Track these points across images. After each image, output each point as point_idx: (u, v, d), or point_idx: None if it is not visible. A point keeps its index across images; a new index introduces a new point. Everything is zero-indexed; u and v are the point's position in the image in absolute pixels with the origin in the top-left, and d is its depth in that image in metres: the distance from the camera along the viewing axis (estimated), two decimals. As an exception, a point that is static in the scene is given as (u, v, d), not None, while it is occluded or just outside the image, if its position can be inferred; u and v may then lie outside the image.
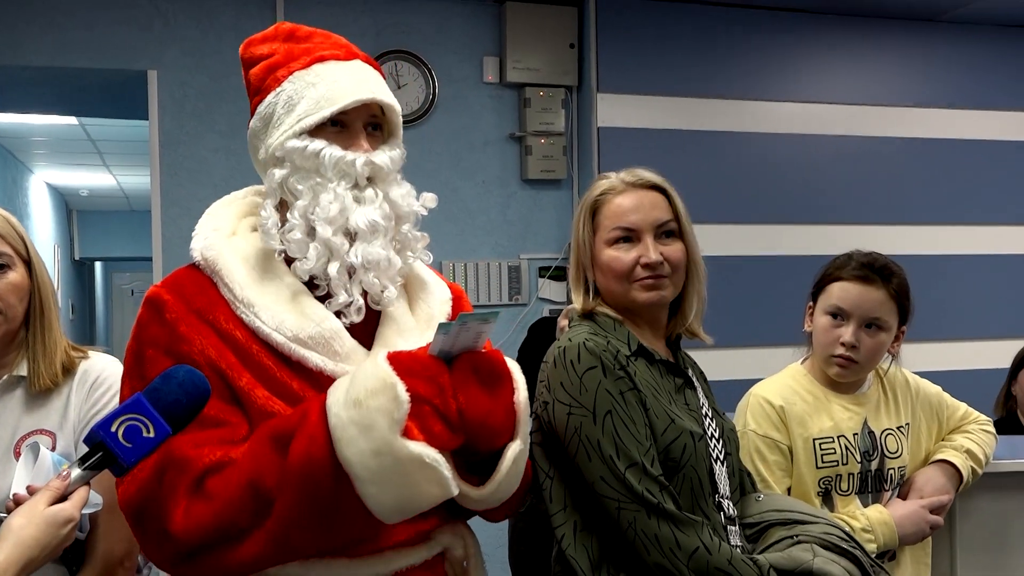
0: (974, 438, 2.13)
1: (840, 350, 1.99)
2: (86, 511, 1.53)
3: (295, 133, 1.44)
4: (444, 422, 1.33)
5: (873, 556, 1.75)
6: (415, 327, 1.53)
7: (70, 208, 10.97)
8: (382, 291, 1.45)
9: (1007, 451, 2.34)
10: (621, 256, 1.70)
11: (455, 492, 1.34)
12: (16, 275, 1.69)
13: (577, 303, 1.77)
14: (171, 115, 3.87)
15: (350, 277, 1.44)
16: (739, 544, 1.67)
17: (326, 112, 1.44)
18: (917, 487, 2.05)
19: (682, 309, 1.78)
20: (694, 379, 1.79)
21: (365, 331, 1.49)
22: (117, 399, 1.73)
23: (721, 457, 1.71)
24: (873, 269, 2.01)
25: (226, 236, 1.50)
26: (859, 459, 2.00)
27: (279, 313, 1.42)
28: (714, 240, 4.01)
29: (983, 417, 2.21)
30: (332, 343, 1.42)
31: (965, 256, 4.52)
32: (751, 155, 4.28)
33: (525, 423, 1.43)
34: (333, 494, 1.29)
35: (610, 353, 1.64)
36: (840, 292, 2.00)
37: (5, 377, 1.71)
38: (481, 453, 1.41)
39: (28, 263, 1.73)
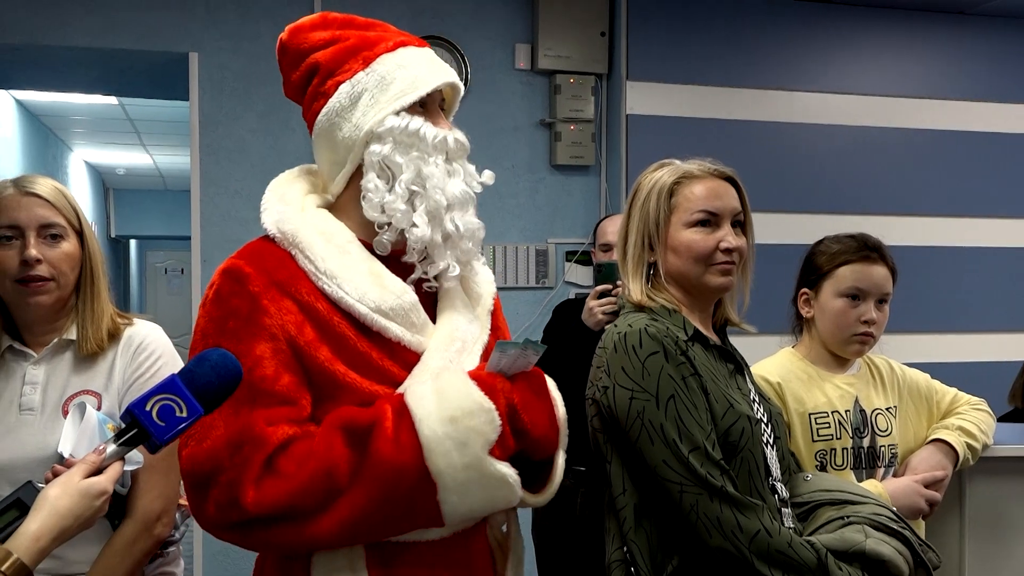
0: (967, 417, 2.15)
1: (862, 328, 2.04)
2: (128, 468, 1.61)
3: (393, 111, 1.49)
4: (515, 438, 1.43)
5: None
6: (467, 304, 1.58)
7: (107, 186, 11.05)
8: (473, 258, 1.55)
9: (1017, 437, 2.37)
10: (702, 239, 1.69)
11: (517, 503, 1.45)
12: (69, 245, 1.75)
13: (635, 291, 1.73)
14: (210, 96, 3.86)
15: (444, 244, 1.50)
16: (792, 526, 1.66)
17: (422, 91, 1.51)
18: (912, 466, 2.07)
19: (726, 299, 1.78)
20: (742, 365, 1.78)
21: (425, 304, 1.52)
22: (159, 364, 1.80)
23: (771, 441, 1.70)
24: (873, 248, 2.08)
25: (298, 211, 1.52)
26: (851, 434, 2.03)
27: (362, 285, 1.45)
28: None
29: (975, 399, 2.22)
30: (411, 315, 1.47)
31: (991, 249, 4.47)
32: (778, 144, 4.23)
33: (564, 435, 1.53)
34: (411, 497, 1.36)
35: (671, 339, 1.62)
36: (854, 274, 2.05)
37: (56, 340, 1.76)
38: (531, 460, 1.50)
39: (80, 234, 1.77)
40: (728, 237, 1.69)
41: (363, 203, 1.50)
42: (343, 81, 1.53)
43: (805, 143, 4.30)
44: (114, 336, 1.79)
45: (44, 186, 1.77)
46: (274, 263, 1.46)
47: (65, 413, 1.71)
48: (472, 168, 1.59)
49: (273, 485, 1.35)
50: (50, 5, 3.72)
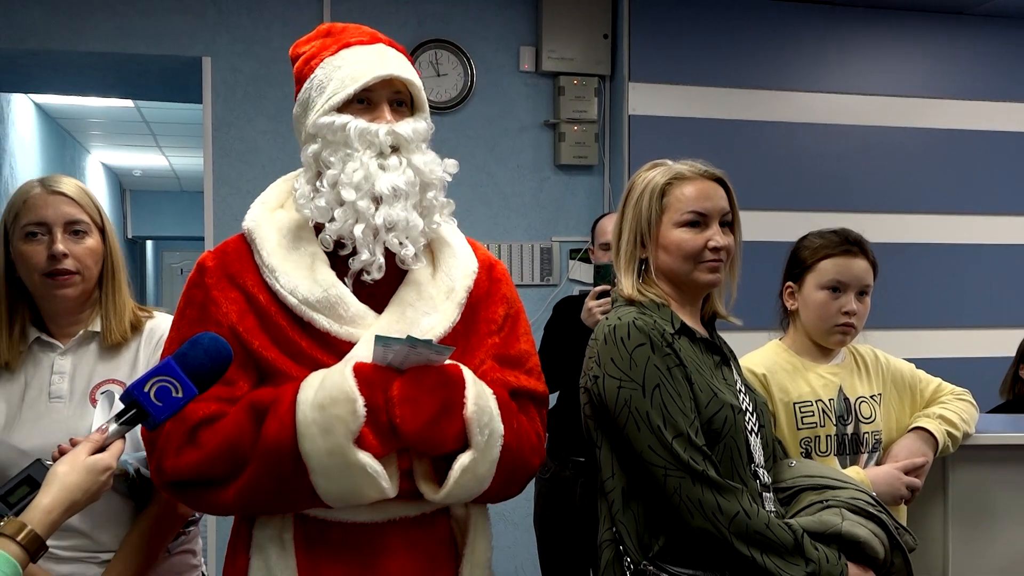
0: (949, 406, 2.20)
1: (843, 319, 2.10)
2: None
3: (325, 111, 1.55)
4: (390, 431, 1.46)
5: None
6: (434, 295, 1.61)
7: (124, 188, 11.17)
8: (402, 248, 1.54)
9: (999, 425, 2.43)
10: (691, 238, 1.75)
11: (391, 495, 1.47)
12: (92, 241, 1.83)
13: (627, 286, 1.80)
14: (223, 99, 3.95)
15: (374, 237, 1.53)
16: (773, 509, 1.72)
17: (350, 89, 1.55)
18: (893, 454, 2.13)
19: (714, 293, 1.84)
20: (728, 357, 1.85)
21: (388, 294, 1.58)
22: None
23: (755, 429, 1.76)
24: (853, 242, 2.14)
25: (271, 209, 1.63)
26: (835, 422, 2.09)
27: (296, 278, 1.54)
28: (743, 226, 4.07)
29: (959, 389, 2.27)
30: (337, 307, 1.52)
31: (990, 245, 4.51)
32: (779, 144, 4.28)
33: (476, 432, 1.49)
34: (291, 476, 1.44)
35: (657, 331, 1.69)
36: (835, 267, 2.11)
37: (81, 332, 1.84)
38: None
39: (102, 230, 1.86)
40: (716, 236, 1.76)
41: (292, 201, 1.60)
42: (299, 90, 1.63)
43: (807, 143, 4.34)
44: (136, 328, 1.88)
45: (69, 185, 1.85)
46: (234, 257, 1.59)
47: (93, 401, 1.79)
48: (432, 157, 1.61)
49: (189, 454, 1.48)
50: (67, 12, 3.82)
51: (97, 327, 1.85)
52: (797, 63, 4.34)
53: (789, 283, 2.20)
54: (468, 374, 1.53)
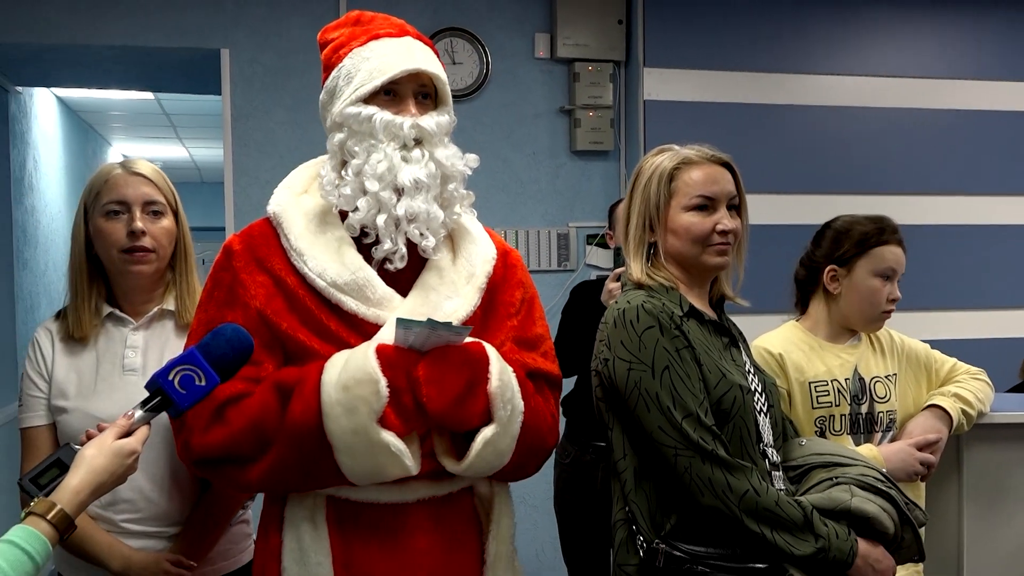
0: (964, 385, 2.22)
1: (890, 306, 2.16)
2: None
3: (352, 101, 1.59)
4: (413, 410, 1.50)
5: None
6: (455, 280, 1.65)
7: (145, 180, 11.30)
8: (422, 239, 1.58)
9: (1015, 404, 2.44)
10: (700, 222, 1.77)
11: (414, 472, 1.51)
12: (167, 221, 1.90)
13: (636, 270, 1.82)
14: (241, 91, 3.99)
15: (396, 227, 1.57)
16: (783, 488, 1.75)
17: (377, 81, 1.58)
18: (907, 431, 2.16)
19: (722, 276, 1.87)
20: (737, 338, 1.87)
21: (410, 279, 1.62)
22: None
23: (764, 409, 1.78)
24: (895, 230, 2.18)
25: (296, 194, 1.67)
26: (849, 402, 2.11)
27: (323, 261, 1.57)
28: (760, 210, 4.06)
29: (975, 368, 2.28)
30: (364, 289, 1.57)
31: (1011, 226, 4.47)
32: (795, 127, 4.26)
33: (500, 407, 1.53)
34: (316, 455, 1.49)
35: (666, 314, 1.71)
36: (892, 256, 2.16)
37: (156, 309, 1.91)
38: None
39: (176, 212, 1.93)
40: (724, 220, 1.78)
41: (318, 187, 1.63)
42: (327, 78, 1.66)
43: (824, 126, 4.32)
44: None
45: (147, 167, 1.94)
46: (260, 240, 1.62)
47: None
48: (454, 151, 1.65)
49: (217, 432, 1.53)
50: (88, 6, 3.87)
51: (170, 305, 1.92)
52: (812, 45, 4.32)
53: (833, 267, 2.19)
54: (491, 351, 1.57)
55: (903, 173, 4.38)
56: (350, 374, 1.47)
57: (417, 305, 1.59)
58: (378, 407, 1.46)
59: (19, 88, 5.05)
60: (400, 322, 1.49)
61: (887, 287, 2.15)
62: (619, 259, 2.96)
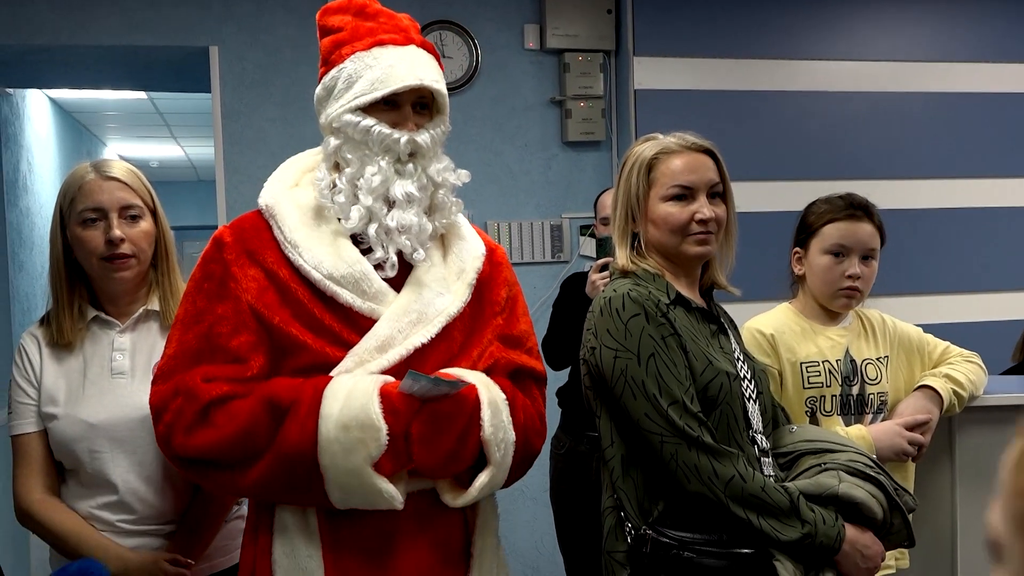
0: (956, 367, 2.22)
1: (847, 283, 2.13)
2: None
3: (350, 109, 1.59)
4: (407, 460, 1.53)
5: None
6: (446, 276, 1.67)
7: (141, 179, 11.29)
8: (413, 251, 1.61)
9: (1007, 386, 2.43)
10: (678, 211, 1.77)
11: (400, 507, 1.53)
12: (146, 224, 1.89)
13: (621, 258, 1.82)
14: (231, 88, 3.98)
15: (387, 236, 1.60)
16: (772, 474, 1.74)
17: (378, 94, 1.58)
18: (898, 411, 2.16)
19: (714, 264, 1.86)
20: (726, 326, 1.87)
21: (402, 274, 1.64)
22: None
23: (753, 396, 1.78)
24: (858, 206, 2.16)
25: (288, 187, 1.67)
26: (840, 383, 2.12)
27: (319, 254, 1.57)
28: (751, 197, 4.05)
29: (967, 352, 2.28)
30: (361, 283, 1.58)
31: (1001, 209, 4.45)
32: (786, 114, 4.25)
33: (494, 451, 1.58)
34: (306, 481, 1.51)
35: (652, 302, 1.71)
36: (838, 231, 2.14)
37: (141, 310, 1.90)
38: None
39: (154, 212, 1.92)
40: (703, 209, 1.76)
41: (311, 185, 1.64)
42: (327, 72, 1.65)
43: (815, 111, 4.31)
44: None
45: (121, 169, 1.91)
46: (252, 233, 1.62)
47: None
48: (446, 164, 1.67)
49: (203, 434, 1.53)
50: (75, 7, 3.85)
51: (155, 306, 1.92)
52: (801, 31, 4.31)
53: (797, 248, 2.22)
54: (483, 394, 1.58)
55: (892, 157, 4.36)
56: (352, 414, 1.48)
57: (411, 300, 1.60)
58: (376, 454, 1.48)
59: (10, 90, 5.04)
60: (411, 374, 1.50)
61: (841, 264, 2.13)
62: (601, 250, 2.94)
